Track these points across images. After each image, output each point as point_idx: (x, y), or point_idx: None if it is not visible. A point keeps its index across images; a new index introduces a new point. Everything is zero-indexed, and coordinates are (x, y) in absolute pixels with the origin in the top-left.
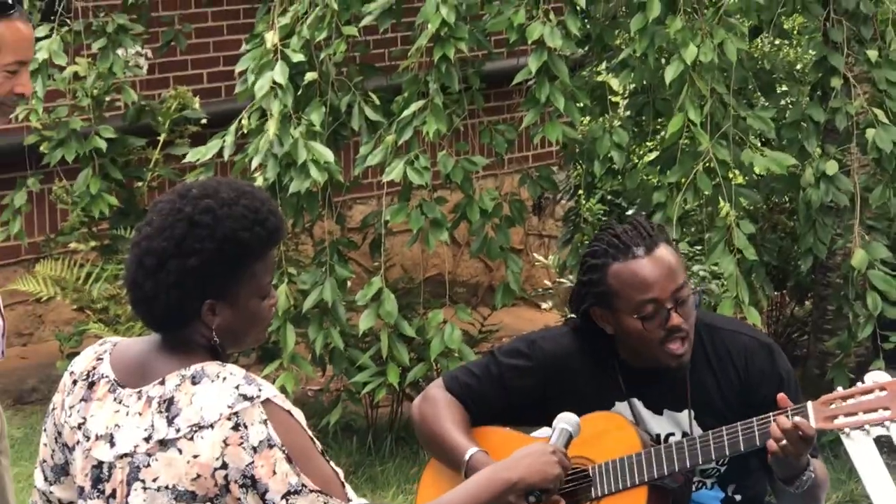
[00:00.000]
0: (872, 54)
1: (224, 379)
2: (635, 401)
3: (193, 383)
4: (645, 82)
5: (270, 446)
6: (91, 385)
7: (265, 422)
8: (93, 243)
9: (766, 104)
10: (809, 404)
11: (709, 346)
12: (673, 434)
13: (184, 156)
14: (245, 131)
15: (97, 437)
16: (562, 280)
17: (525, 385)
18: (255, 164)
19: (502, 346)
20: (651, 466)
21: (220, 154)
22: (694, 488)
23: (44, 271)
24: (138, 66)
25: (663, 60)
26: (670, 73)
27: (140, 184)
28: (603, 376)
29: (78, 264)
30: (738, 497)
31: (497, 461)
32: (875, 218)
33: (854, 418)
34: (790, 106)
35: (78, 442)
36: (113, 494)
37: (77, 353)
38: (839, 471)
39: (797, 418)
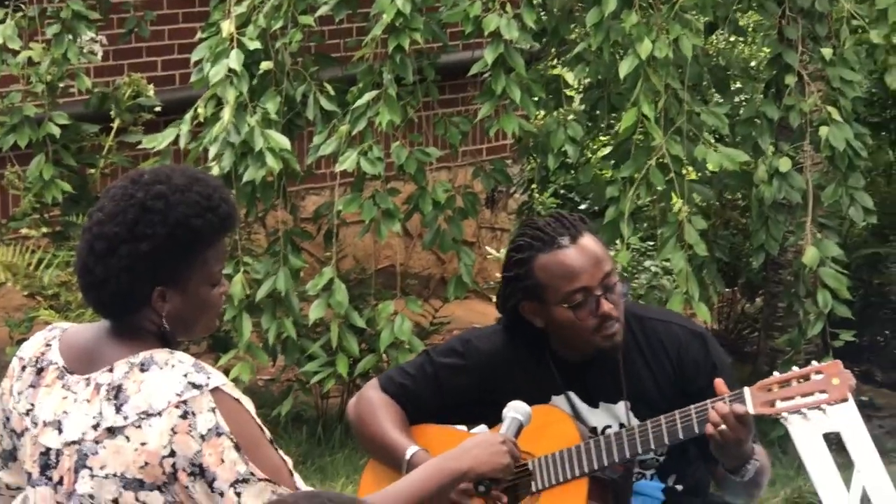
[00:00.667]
0: (827, 52)
1: (173, 367)
2: (572, 394)
3: (142, 371)
4: (600, 77)
5: (219, 434)
6: (40, 371)
7: (213, 410)
8: (44, 230)
9: (721, 101)
10: (747, 390)
11: (640, 336)
12: (610, 426)
13: (137, 143)
14: (201, 119)
15: (45, 424)
16: None
17: (460, 384)
18: (211, 152)
19: (437, 345)
20: (591, 458)
21: (175, 142)
22: (633, 479)
23: None
24: (93, 52)
25: (618, 55)
26: (625, 68)
27: (93, 171)
28: (538, 371)
29: (29, 250)
30: (679, 487)
31: None
32: (827, 216)
33: (791, 402)
34: (744, 103)
35: (26, 428)
36: (60, 481)
37: (27, 340)
38: (787, 467)
39: (734, 403)
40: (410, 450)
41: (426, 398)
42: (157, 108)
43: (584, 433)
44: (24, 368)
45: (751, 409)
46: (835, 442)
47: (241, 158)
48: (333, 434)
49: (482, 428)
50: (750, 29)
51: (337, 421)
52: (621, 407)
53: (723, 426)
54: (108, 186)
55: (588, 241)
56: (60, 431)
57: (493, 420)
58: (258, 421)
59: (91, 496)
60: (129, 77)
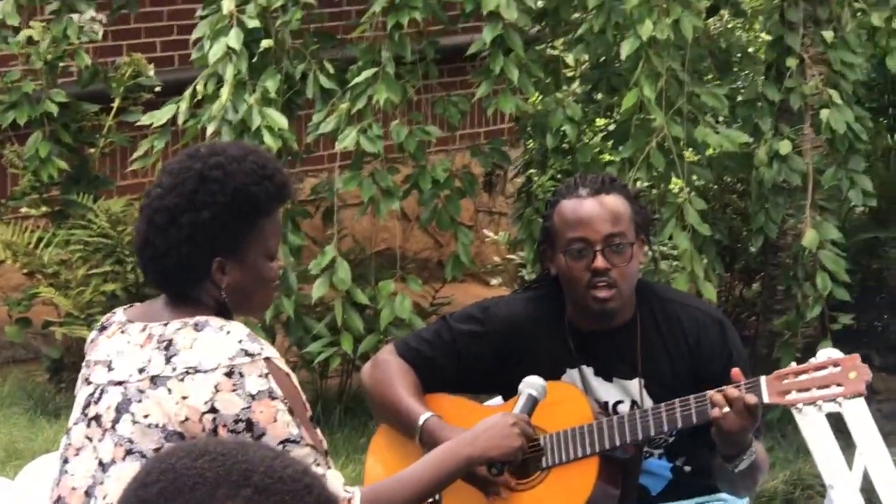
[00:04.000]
0: (828, 35)
1: (228, 332)
2: (585, 368)
3: (196, 329)
4: (600, 58)
5: (272, 397)
6: (102, 329)
7: (266, 376)
8: (44, 208)
9: (720, 83)
10: (763, 379)
11: (660, 316)
12: (622, 402)
13: (136, 122)
14: (200, 97)
15: (96, 363)
16: (511, 256)
17: (477, 351)
18: (209, 130)
19: (454, 311)
20: (602, 437)
21: (174, 121)
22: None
23: None
24: (93, 31)
25: (619, 36)
26: (626, 49)
27: (93, 150)
28: (554, 342)
29: (29, 230)
30: (687, 468)
31: (452, 426)
32: (826, 199)
33: (807, 394)
34: (744, 87)
35: (85, 377)
36: (97, 418)
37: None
38: (787, 450)
39: (747, 394)
40: (424, 416)
41: (442, 364)
42: (157, 88)
43: (595, 410)
44: (92, 341)
45: (765, 399)
46: (833, 423)
47: (239, 137)
48: (333, 414)
49: (497, 400)
50: (751, 12)
51: (336, 401)
52: (635, 384)
53: (727, 409)
54: (164, 164)
55: (611, 200)
56: (110, 369)
57: (508, 390)
58: (303, 397)
59: (131, 440)
60: (130, 56)
